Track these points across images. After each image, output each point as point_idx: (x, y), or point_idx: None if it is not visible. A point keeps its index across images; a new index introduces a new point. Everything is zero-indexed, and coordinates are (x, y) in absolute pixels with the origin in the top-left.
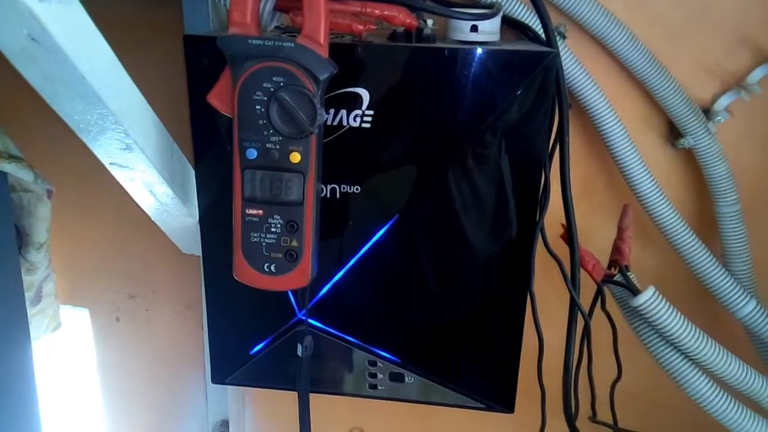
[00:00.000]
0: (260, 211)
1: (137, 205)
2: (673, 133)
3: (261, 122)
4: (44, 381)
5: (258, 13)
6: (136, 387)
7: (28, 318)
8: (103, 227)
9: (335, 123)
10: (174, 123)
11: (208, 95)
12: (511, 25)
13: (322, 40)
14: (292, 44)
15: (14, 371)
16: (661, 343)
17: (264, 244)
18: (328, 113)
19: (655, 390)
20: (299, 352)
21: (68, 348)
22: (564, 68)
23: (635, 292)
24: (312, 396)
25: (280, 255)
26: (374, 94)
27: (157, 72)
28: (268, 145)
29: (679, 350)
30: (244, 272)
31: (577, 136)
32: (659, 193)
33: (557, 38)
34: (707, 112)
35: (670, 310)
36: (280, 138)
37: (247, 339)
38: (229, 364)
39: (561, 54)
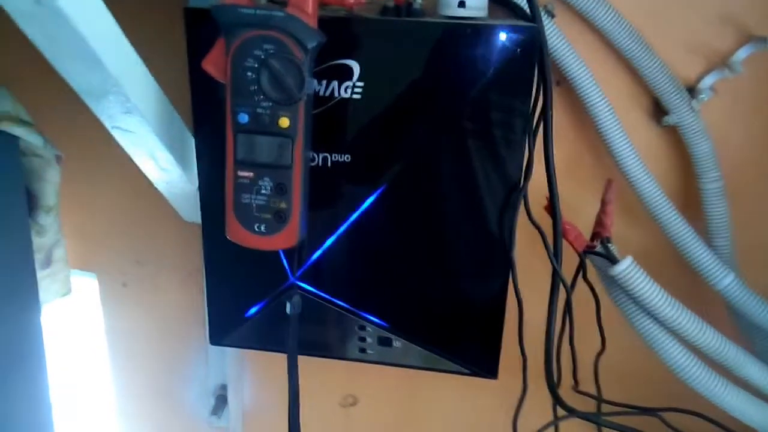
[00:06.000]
0: (251, 174)
1: (143, 173)
2: (658, 110)
3: (252, 88)
4: (53, 343)
5: None
6: (141, 351)
7: (38, 279)
8: (111, 195)
9: (327, 94)
10: (174, 93)
11: (203, 62)
12: (499, 3)
13: (310, 10)
14: (282, 13)
15: (23, 327)
16: (639, 312)
17: (254, 205)
18: (320, 84)
19: (638, 362)
20: (288, 310)
21: (77, 311)
22: (551, 46)
23: (614, 261)
24: (306, 364)
25: (270, 216)
26: (364, 66)
27: (158, 42)
28: (258, 110)
29: (656, 319)
30: (236, 232)
31: (566, 113)
32: (644, 170)
33: (546, 16)
34: (692, 90)
35: (646, 279)
36: (270, 104)
37: (243, 302)
38: (226, 326)
39: (549, 32)
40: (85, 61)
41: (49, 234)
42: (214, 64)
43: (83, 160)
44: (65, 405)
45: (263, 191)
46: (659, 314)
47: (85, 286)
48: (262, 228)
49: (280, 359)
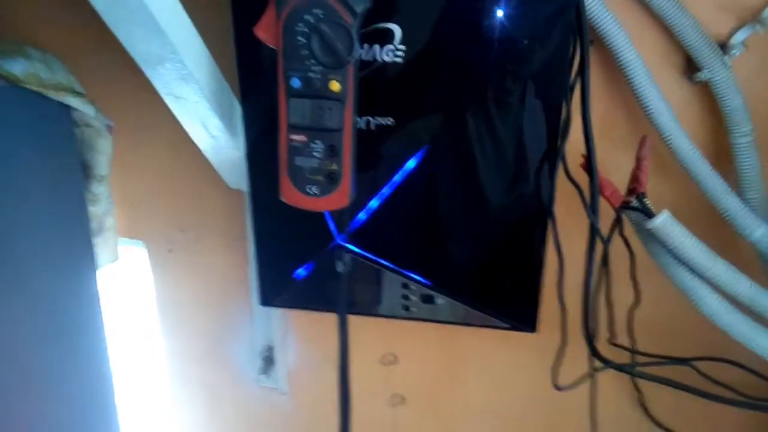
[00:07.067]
0: (303, 137)
1: (189, 141)
2: (690, 67)
3: (303, 53)
4: (105, 310)
5: None
6: (190, 316)
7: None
8: (155, 164)
9: (369, 58)
10: (219, 61)
11: (254, 28)
12: None
13: None
14: None
15: (82, 292)
16: (675, 263)
17: (307, 167)
18: (362, 48)
19: (670, 314)
20: (338, 268)
21: (125, 278)
22: (587, 3)
23: (650, 215)
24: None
25: (322, 177)
26: (406, 29)
27: (201, 10)
28: (310, 75)
29: (692, 270)
30: (290, 194)
31: (599, 72)
32: (677, 126)
33: None
34: (723, 46)
35: (683, 231)
36: (321, 68)
37: (290, 264)
38: (275, 288)
39: None
40: (145, 26)
41: (102, 203)
42: (265, 30)
43: (130, 128)
44: (119, 368)
45: (315, 154)
46: (695, 265)
47: (132, 253)
48: (315, 190)
49: (322, 319)
